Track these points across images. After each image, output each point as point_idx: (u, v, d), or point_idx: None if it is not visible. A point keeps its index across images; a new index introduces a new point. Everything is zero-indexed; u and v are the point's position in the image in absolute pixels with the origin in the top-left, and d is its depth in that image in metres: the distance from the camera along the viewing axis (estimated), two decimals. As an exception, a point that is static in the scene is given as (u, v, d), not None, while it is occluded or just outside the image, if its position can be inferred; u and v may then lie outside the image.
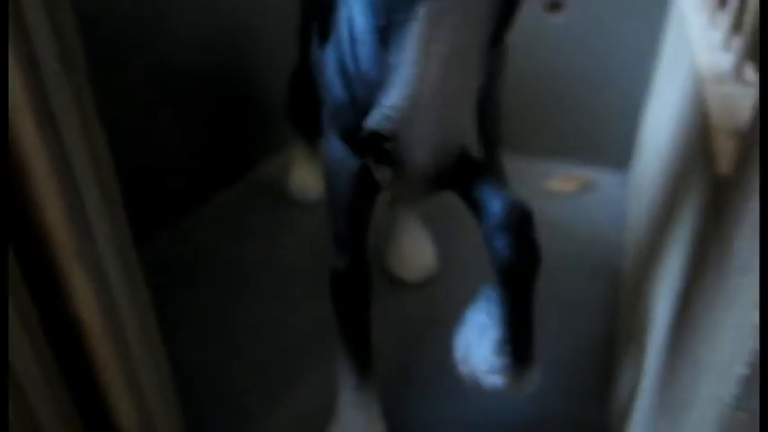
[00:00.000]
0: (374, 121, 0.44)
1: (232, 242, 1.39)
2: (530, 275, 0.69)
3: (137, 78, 1.27)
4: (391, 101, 0.43)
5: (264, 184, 1.65)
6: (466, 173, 0.49)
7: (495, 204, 0.69)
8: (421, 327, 1.14)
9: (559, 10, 0.56)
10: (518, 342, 0.72)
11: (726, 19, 0.83)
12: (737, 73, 0.71)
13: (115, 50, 1.20)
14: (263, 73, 1.66)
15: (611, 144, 1.67)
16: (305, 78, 1.14)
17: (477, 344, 0.76)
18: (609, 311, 1.17)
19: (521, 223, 0.67)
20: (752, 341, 0.31)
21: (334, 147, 0.76)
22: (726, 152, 0.55)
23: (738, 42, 0.73)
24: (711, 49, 0.82)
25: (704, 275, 0.49)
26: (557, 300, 1.18)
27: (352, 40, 0.68)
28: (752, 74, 0.71)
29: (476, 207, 0.72)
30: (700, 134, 0.67)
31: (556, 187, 1.60)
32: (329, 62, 0.76)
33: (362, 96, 0.67)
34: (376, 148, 0.43)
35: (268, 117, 1.69)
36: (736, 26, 0.79)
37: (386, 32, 0.50)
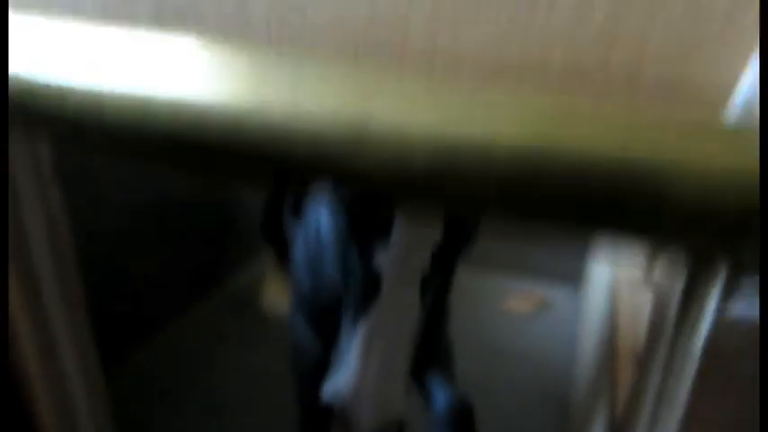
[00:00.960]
0: (328, 394, 0.54)
1: (207, 356, 1.42)
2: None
3: (106, 188, 1.30)
4: (341, 383, 0.53)
5: (239, 296, 1.69)
6: (415, 366, 0.58)
7: (440, 397, 0.77)
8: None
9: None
10: None
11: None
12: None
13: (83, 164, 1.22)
14: (238, 187, 1.75)
15: (566, 262, 1.78)
16: (281, 199, 1.22)
17: None
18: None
19: (463, 420, 0.75)
20: None
21: (299, 330, 0.83)
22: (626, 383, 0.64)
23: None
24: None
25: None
26: (509, 426, 1.23)
27: (319, 243, 0.75)
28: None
29: (424, 396, 0.80)
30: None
31: (513, 307, 1.69)
32: (298, 252, 0.83)
33: (324, 291, 0.74)
34: (328, 414, 0.54)
35: (243, 229, 1.76)
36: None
37: (348, 247, 0.58)
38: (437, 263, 0.50)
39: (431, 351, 0.78)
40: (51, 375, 0.64)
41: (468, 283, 1.80)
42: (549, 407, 1.33)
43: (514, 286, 1.80)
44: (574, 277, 1.77)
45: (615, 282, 0.84)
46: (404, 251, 0.49)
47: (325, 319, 0.60)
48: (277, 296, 1.58)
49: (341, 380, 0.51)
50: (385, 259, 0.50)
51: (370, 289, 0.51)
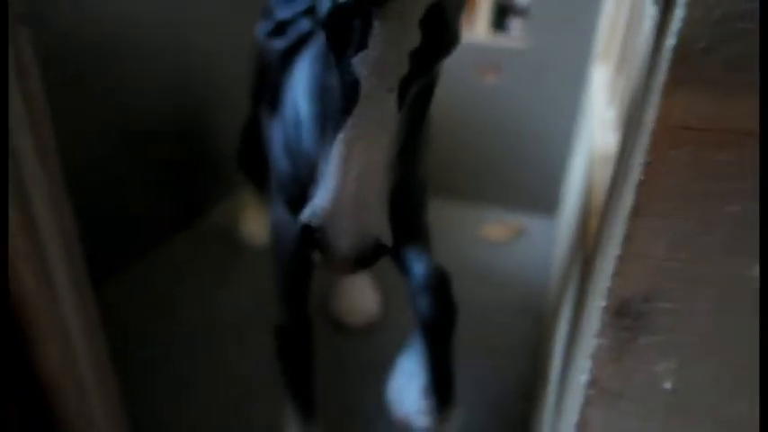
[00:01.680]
0: (306, 215, 0.54)
1: (183, 289, 1.45)
2: (448, 330, 0.80)
3: (89, 121, 1.32)
4: (319, 201, 0.53)
5: (216, 230, 1.72)
6: (393, 241, 0.59)
7: (417, 268, 0.80)
8: (364, 370, 1.23)
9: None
10: (441, 387, 0.82)
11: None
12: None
13: (71, 92, 1.25)
14: (215, 121, 1.75)
15: (541, 193, 1.83)
16: (256, 130, 1.24)
17: (407, 388, 0.86)
18: (533, 351, 1.29)
19: (440, 286, 0.79)
20: (590, 362, 0.42)
21: (279, 212, 0.86)
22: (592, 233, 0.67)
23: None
24: (605, 128, 0.96)
25: (577, 325, 0.61)
26: (487, 343, 1.29)
27: (297, 122, 0.78)
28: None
29: (402, 269, 0.83)
30: (582, 211, 0.80)
31: (490, 234, 1.73)
32: (276, 138, 0.86)
33: (305, 172, 0.77)
34: (308, 236, 0.54)
35: (219, 164, 1.77)
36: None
37: (324, 121, 0.60)
38: (416, 64, 0.51)
39: (408, 224, 0.81)
40: (48, 298, 0.66)
41: (447, 212, 1.84)
42: (523, 320, 1.39)
43: (492, 215, 1.85)
44: (548, 206, 1.82)
45: (592, 153, 0.88)
46: (380, 52, 0.50)
47: (302, 198, 0.61)
48: (254, 227, 1.61)
49: (319, 198, 0.52)
50: (363, 64, 0.50)
51: (349, 95, 0.51)
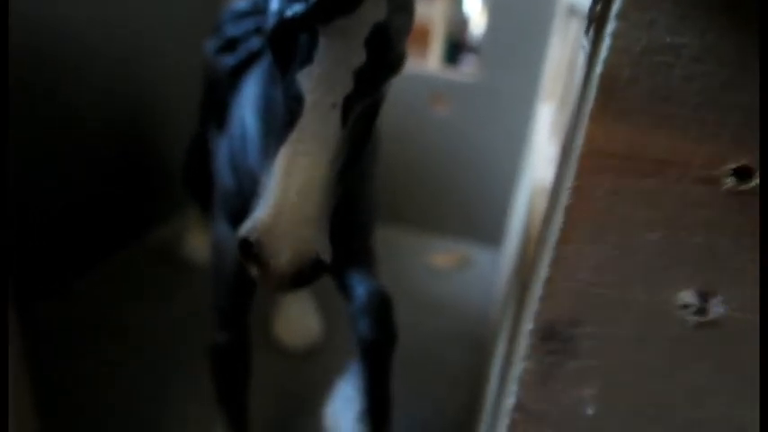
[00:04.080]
0: (245, 228, 0.53)
1: (124, 305, 1.40)
2: (387, 354, 0.79)
3: (34, 134, 1.28)
4: (259, 214, 0.52)
5: (159, 248, 1.67)
6: (336, 262, 0.59)
7: (359, 290, 0.80)
8: (303, 392, 1.20)
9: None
10: (377, 412, 0.81)
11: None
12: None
13: (14, 104, 1.20)
14: (162, 138, 1.71)
15: (488, 223, 1.86)
16: (202, 148, 1.22)
17: (344, 413, 0.85)
18: (474, 379, 1.29)
19: (380, 309, 0.78)
20: (517, 385, 0.42)
21: (221, 228, 0.84)
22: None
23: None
24: (546, 163, 0.99)
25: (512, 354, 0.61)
26: (428, 370, 1.29)
27: (243, 137, 0.77)
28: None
29: (344, 291, 0.83)
30: (522, 241, 0.81)
31: (437, 262, 1.74)
32: (221, 153, 0.85)
33: (248, 187, 0.76)
34: (246, 250, 0.52)
35: (165, 181, 1.73)
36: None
37: (269, 138, 0.60)
38: (360, 82, 0.51)
39: (352, 247, 0.80)
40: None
41: (396, 240, 1.85)
42: (466, 348, 1.39)
43: (440, 244, 1.86)
44: (495, 237, 1.85)
45: (534, 186, 0.90)
46: (325, 69, 0.50)
47: (244, 213, 0.60)
48: (199, 245, 1.57)
49: (259, 212, 0.51)
50: (307, 79, 0.50)
51: (292, 110, 0.51)
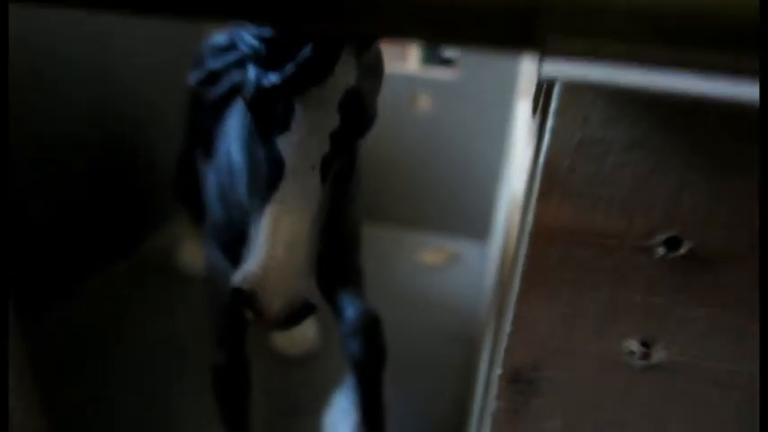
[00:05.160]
0: (237, 279, 0.57)
1: (121, 317, 1.43)
2: (378, 371, 0.84)
3: (27, 149, 1.30)
4: (249, 267, 0.56)
5: (153, 258, 1.70)
6: (325, 284, 0.63)
7: (349, 311, 0.84)
8: (302, 400, 1.25)
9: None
10: (372, 423, 0.86)
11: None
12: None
13: (11, 127, 1.23)
14: (154, 150, 1.73)
15: (476, 219, 1.91)
16: (190, 160, 1.25)
17: (341, 424, 0.90)
18: (464, 375, 1.35)
19: (370, 329, 0.83)
20: (491, 419, 0.47)
21: (214, 256, 0.88)
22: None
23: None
24: (523, 170, 1.03)
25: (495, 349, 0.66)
26: (419, 367, 1.35)
27: (230, 171, 0.81)
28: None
29: (335, 312, 0.87)
30: (502, 253, 0.86)
31: (426, 259, 1.79)
32: (210, 185, 0.88)
33: (238, 217, 0.80)
34: (240, 298, 0.57)
35: (157, 193, 1.76)
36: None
37: (256, 172, 0.63)
38: (336, 143, 0.55)
39: (340, 270, 0.84)
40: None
41: (384, 238, 1.89)
42: (456, 345, 1.45)
43: (428, 241, 1.91)
44: (482, 232, 1.90)
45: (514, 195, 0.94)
46: (303, 135, 0.54)
47: (236, 243, 0.64)
48: (192, 256, 1.61)
49: (250, 264, 0.55)
50: (287, 145, 0.54)
51: (274, 172, 0.55)
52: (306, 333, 1.38)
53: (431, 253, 1.82)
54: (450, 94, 1.77)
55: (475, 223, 1.90)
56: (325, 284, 0.76)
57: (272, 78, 0.52)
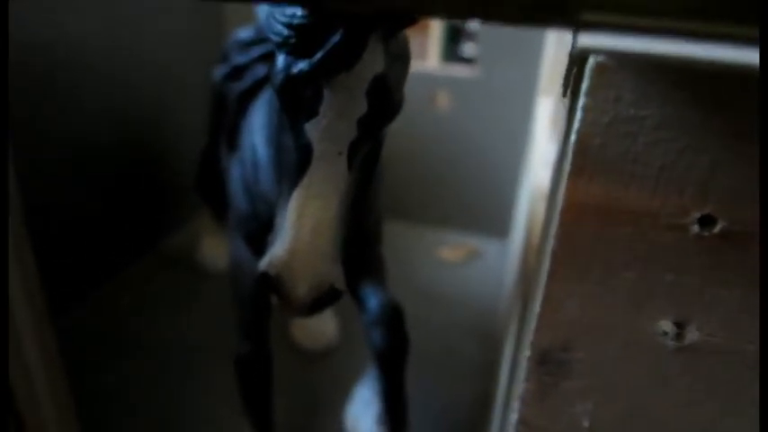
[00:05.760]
0: (264, 264, 0.58)
1: (144, 315, 1.46)
2: (401, 361, 0.84)
3: (48, 150, 1.33)
4: (276, 251, 0.57)
5: (175, 255, 1.73)
6: (348, 275, 0.64)
7: (372, 302, 0.85)
8: (323, 394, 1.26)
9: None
10: (394, 414, 0.87)
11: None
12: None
13: (29, 122, 1.26)
14: (176, 147, 1.76)
15: (496, 216, 1.90)
16: (213, 156, 1.27)
17: (363, 416, 0.91)
18: (485, 371, 1.35)
19: (393, 320, 0.83)
20: (519, 402, 0.47)
21: (239, 248, 0.89)
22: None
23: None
24: (545, 164, 1.03)
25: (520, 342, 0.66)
26: (441, 362, 1.35)
27: (255, 164, 0.82)
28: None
29: (357, 302, 0.88)
30: (524, 246, 0.85)
31: (447, 256, 1.79)
32: (234, 177, 0.89)
33: (263, 210, 0.81)
34: (266, 283, 0.58)
35: (179, 189, 1.79)
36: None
37: (280, 172, 0.64)
38: (363, 129, 0.56)
39: (363, 261, 0.85)
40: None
41: (405, 234, 1.89)
42: (476, 340, 1.45)
43: (449, 238, 1.91)
44: (503, 229, 1.89)
45: (534, 188, 0.94)
46: (331, 121, 0.54)
47: (260, 235, 0.65)
48: (213, 252, 1.63)
49: (276, 249, 0.56)
50: (315, 131, 0.55)
51: (302, 158, 0.56)
52: (325, 329, 1.39)
53: (451, 250, 1.82)
54: (471, 92, 1.77)
55: (495, 221, 1.89)
56: (348, 276, 0.76)
57: (302, 66, 0.53)
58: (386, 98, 0.55)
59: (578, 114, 0.36)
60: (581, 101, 0.36)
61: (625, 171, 0.37)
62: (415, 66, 1.93)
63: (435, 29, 2.17)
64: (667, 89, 0.34)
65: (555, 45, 1.39)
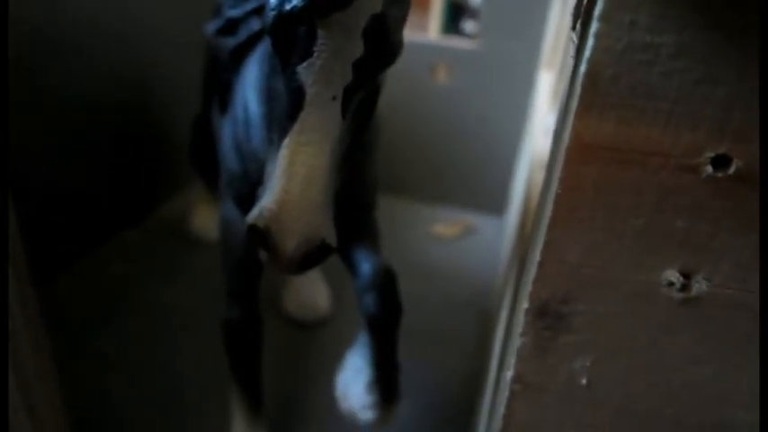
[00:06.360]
0: (252, 216, 0.56)
1: (135, 283, 1.44)
2: (393, 327, 0.82)
3: (32, 112, 1.29)
4: (265, 202, 0.55)
5: (168, 224, 1.70)
6: (340, 239, 0.61)
7: (364, 266, 0.83)
8: (313, 365, 1.25)
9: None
10: (385, 383, 0.85)
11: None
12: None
13: (21, 89, 1.22)
14: (168, 115, 1.72)
15: (492, 192, 1.88)
16: (207, 125, 1.24)
17: (353, 384, 0.89)
18: (480, 345, 1.33)
19: (385, 285, 0.81)
20: (515, 358, 0.45)
21: (229, 209, 0.87)
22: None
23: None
24: (545, 134, 1.00)
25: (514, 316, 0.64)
26: (435, 338, 1.33)
27: (247, 121, 0.79)
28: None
29: (350, 267, 0.86)
30: (522, 214, 0.83)
31: (441, 231, 1.77)
32: (226, 136, 0.87)
33: (254, 169, 0.78)
34: (254, 236, 0.55)
35: (171, 158, 1.75)
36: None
37: (272, 123, 0.61)
38: (359, 73, 0.53)
39: (356, 225, 0.83)
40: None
41: (400, 210, 1.87)
42: (470, 316, 1.43)
43: (444, 213, 1.89)
44: (498, 205, 1.87)
45: (533, 158, 0.92)
46: (325, 62, 0.52)
47: (251, 195, 0.62)
48: (205, 221, 1.60)
49: (266, 200, 0.53)
50: (308, 73, 0.52)
51: (294, 103, 0.53)
52: (317, 298, 1.38)
53: (446, 225, 1.80)
54: (471, 65, 1.73)
55: (492, 197, 1.87)
56: (341, 240, 0.74)
57: (295, 2, 0.50)
58: (383, 40, 0.53)
59: (590, 42, 0.34)
60: (593, 26, 0.33)
61: (637, 105, 0.35)
62: (415, 37, 1.90)
63: (436, 4, 2.13)
64: (685, 13, 0.32)
65: (559, 16, 1.36)
